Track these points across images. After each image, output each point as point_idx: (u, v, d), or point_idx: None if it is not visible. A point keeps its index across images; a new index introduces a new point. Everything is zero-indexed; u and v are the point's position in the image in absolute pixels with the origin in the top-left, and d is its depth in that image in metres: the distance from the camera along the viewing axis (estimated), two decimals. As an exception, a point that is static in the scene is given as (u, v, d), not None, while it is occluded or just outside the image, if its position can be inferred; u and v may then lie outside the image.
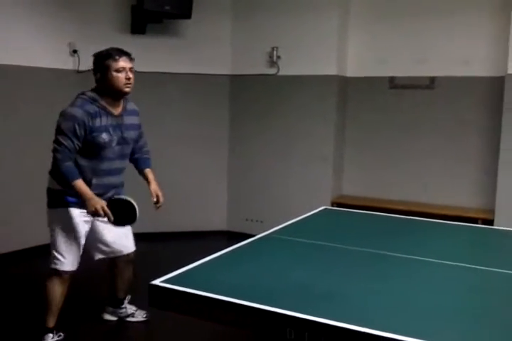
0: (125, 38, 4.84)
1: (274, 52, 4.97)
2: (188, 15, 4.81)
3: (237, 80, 5.23)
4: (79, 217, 2.83)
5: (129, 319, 3.33)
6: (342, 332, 1.57)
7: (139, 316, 3.32)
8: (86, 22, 4.76)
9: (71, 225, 2.82)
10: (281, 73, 5.01)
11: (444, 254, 2.39)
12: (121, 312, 3.32)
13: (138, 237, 3.24)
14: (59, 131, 2.71)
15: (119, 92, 2.78)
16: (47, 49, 4.54)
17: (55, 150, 2.72)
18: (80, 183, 2.70)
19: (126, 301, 3.33)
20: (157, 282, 1.91)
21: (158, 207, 3.01)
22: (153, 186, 3.02)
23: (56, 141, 2.72)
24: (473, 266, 2.24)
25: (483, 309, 1.81)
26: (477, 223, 4.12)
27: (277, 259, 2.30)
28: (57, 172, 2.77)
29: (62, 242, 2.85)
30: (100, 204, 2.69)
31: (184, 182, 5.22)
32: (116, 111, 2.84)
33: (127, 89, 2.77)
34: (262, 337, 1.92)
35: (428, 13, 4.63)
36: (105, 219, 2.77)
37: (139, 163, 3.10)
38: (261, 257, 2.33)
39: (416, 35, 4.69)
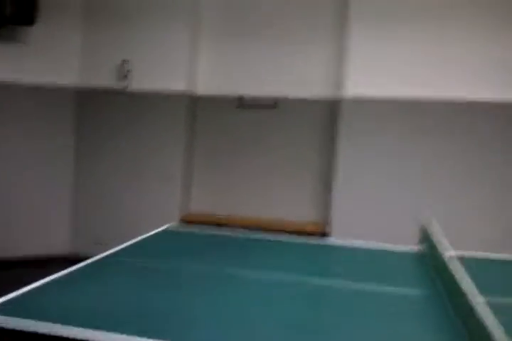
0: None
1: (125, 66, 4.87)
2: (30, 21, 4.57)
3: (84, 94, 5.04)
4: None
5: None
6: None
7: None
8: None
9: None
10: (131, 88, 4.92)
11: (277, 269, 2.48)
12: None
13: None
14: None
15: None
16: None
17: None
18: None
19: None
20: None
21: None
22: None
23: None
24: (305, 278, 2.34)
25: (301, 317, 1.89)
26: (315, 236, 4.35)
27: (108, 284, 2.21)
28: None
29: None
30: None
31: (22, 203, 4.87)
32: None
33: None
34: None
35: (275, 35, 4.84)
36: None
37: None
38: (89, 283, 2.22)
39: (265, 56, 4.87)
